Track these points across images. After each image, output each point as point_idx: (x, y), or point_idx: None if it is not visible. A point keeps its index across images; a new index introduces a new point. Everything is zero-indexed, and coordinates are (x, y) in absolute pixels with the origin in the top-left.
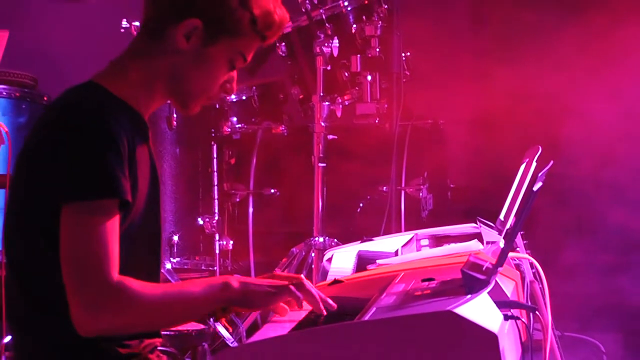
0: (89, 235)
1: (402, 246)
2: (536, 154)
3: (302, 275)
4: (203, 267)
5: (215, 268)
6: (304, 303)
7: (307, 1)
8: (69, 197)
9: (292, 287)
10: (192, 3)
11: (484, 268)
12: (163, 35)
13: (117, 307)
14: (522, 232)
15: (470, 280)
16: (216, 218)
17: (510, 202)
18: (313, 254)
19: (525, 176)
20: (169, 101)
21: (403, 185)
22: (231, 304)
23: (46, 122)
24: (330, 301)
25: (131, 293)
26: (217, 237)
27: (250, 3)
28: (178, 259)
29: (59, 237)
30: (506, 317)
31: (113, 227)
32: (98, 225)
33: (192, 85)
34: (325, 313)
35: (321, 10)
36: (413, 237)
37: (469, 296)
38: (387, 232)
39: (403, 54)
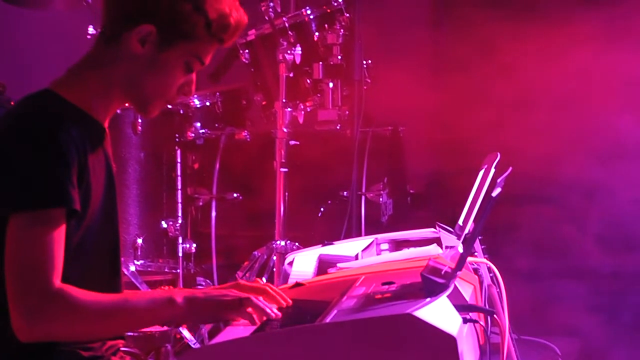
0: (32, 244)
1: (363, 250)
2: (495, 160)
3: (267, 286)
4: (166, 270)
5: (178, 271)
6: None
7: (271, 9)
8: (16, 206)
9: (246, 298)
10: (145, 8)
11: (443, 272)
12: (118, 42)
13: (56, 314)
14: (480, 237)
15: (430, 283)
16: (180, 221)
17: (469, 208)
18: (275, 257)
19: (484, 182)
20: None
21: (363, 190)
22: (175, 319)
23: (1, 131)
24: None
25: (71, 301)
26: (180, 240)
27: (204, 7)
28: (142, 261)
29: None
30: (465, 321)
31: (59, 236)
32: (43, 234)
33: (148, 90)
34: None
35: (284, 19)
36: (373, 241)
37: (428, 299)
38: (348, 236)
39: (364, 62)
